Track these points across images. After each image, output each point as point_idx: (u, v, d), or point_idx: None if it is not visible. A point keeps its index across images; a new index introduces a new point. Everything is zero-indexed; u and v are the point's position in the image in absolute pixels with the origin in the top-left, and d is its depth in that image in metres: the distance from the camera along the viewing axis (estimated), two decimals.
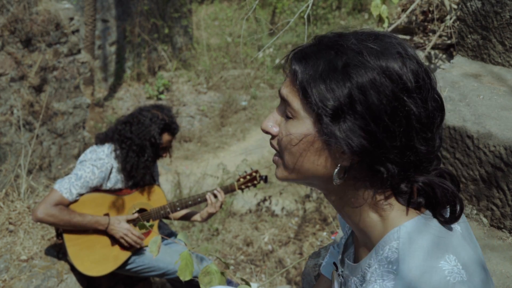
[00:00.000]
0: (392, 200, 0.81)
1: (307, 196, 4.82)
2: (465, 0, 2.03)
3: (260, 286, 3.05)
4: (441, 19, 2.57)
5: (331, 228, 3.88)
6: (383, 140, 0.75)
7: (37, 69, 4.23)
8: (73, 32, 4.59)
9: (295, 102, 0.81)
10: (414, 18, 2.70)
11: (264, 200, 4.71)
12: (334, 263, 1.00)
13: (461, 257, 0.75)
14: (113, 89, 7.93)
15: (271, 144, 0.88)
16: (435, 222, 0.80)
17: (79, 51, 4.71)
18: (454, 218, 0.80)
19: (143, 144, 2.66)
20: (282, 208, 4.72)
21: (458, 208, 0.80)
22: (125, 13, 8.01)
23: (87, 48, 6.74)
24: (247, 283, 1.49)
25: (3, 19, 3.98)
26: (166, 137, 2.74)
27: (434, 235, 0.77)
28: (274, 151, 0.89)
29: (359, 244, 0.91)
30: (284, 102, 0.85)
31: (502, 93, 1.78)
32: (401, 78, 0.76)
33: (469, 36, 2.04)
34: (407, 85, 0.76)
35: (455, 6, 2.36)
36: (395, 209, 0.80)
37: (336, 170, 0.79)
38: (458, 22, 2.14)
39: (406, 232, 0.77)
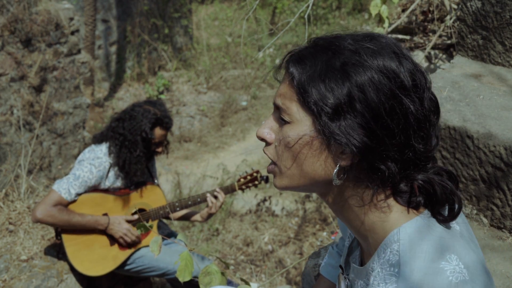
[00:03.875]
0: (391, 201, 0.80)
1: (307, 196, 4.82)
2: (465, 0, 2.03)
3: (260, 286, 3.05)
4: (441, 19, 2.57)
5: (331, 228, 3.88)
6: (383, 138, 0.76)
7: (37, 69, 4.23)
8: (73, 32, 4.58)
9: (292, 105, 0.81)
10: (414, 18, 2.70)
11: (264, 200, 4.71)
12: (340, 266, 0.99)
13: (463, 256, 0.75)
14: (113, 89, 7.93)
15: (264, 152, 0.88)
16: (434, 222, 0.79)
17: (79, 51, 4.70)
18: (453, 216, 0.80)
19: (134, 139, 2.64)
20: (282, 208, 4.72)
21: (456, 206, 0.80)
22: (125, 13, 8.01)
23: (87, 48, 6.74)
24: (247, 283, 1.49)
25: (3, 19, 3.98)
26: (158, 131, 2.71)
27: (435, 236, 0.77)
28: None
29: (362, 247, 0.90)
30: (278, 109, 0.85)
31: (502, 93, 1.77)
32: (398, 77, 0.77)
33: (469, 36, 2.04)
34: (404, 84, 0.77)
35: (455, 6, 2.36)
36: (394, 210, 0.80)
37: (336, 170, 0.79)
38: (458, 22, 2.14)
39: (406, 233, 0.77)
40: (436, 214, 0.80)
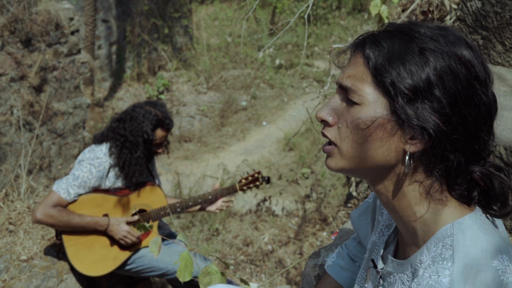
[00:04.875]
0: (446, 194, 0.80)
1: (307, 196, 4.82)
2: (465, 0, 2.03)
3: (260, 286, 3.05)
4: (441, 19, 2.57)
5: (331, 228, 3.88)
6: (457, 125, 0.76)
7: (37, 69, 4.23)
8: (73, 32, 4.58)
9: (364, 86, 0.80)
10: (414, 18, 2.70)
11: (264, 200, 4.71)
12: (372, 260, 0.98)
13: (511, 258, 0.76)
14: (113, 89, 7.92)
15: (323, 134, 0.86)
16: (487, 221, 0.80)
17: (79, 51, 4.70)
18: (506, 213, 0.80)
19: (136, 140, 2.64)
20: (282, 208, 4.72)
21: (511, 202, 0.80)
22: (125, 13, 8.01)
23: (87, 48, 6.74)
24: (246, 283, 1.49)
25: (3, 19, 3.98)
26: (159, 132, 2.71)
27: (488, 234, 0.77)
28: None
29: (404, 240, 0.89)
30: (344, 90, 0.83)
31: (502, 93, 1.77)
32: (473, 67, 0.77)
33: (469, 36, 2.04)
34: (479, 75, 0.78)
35: (455, 6, 2.36)
36: (448, 204, 0.80)
37: (407, 156, 0.78)
38: (458, 22, 2.14)
39: (460, 229, 0.78)
40: (489, 210, 0.80)
